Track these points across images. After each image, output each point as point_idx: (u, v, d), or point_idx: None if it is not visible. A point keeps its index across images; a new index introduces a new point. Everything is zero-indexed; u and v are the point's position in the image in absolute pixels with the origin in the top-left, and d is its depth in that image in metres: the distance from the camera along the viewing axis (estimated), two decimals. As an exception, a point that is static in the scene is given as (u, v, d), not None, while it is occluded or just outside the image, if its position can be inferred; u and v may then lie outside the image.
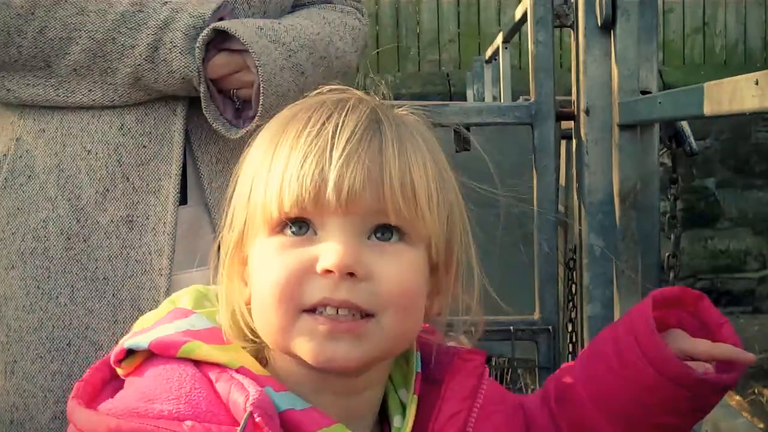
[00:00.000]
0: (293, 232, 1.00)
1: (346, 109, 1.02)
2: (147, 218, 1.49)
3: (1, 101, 1.55)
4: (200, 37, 1.46)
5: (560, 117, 2.24)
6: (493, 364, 2.96)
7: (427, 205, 1.01)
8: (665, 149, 2.24)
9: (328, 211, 0.98)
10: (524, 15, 3.53)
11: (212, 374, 0.98)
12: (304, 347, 0.98)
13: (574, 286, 2.30)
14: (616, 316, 2.13)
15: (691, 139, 2.12)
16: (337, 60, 1.64)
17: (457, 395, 1.07)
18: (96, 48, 1.47)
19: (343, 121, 1.00)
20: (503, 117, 2.23)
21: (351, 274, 0.97)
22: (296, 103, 1.08)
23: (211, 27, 1.47)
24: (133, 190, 1.50)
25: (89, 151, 1.50)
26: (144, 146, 1.50)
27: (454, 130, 2.28)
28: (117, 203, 1.49)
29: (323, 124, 1.01)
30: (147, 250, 1.50)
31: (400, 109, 1.08)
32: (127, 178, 1.50)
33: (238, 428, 0.92)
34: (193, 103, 1.52)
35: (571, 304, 2.31)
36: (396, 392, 1.10)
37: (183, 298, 1.11)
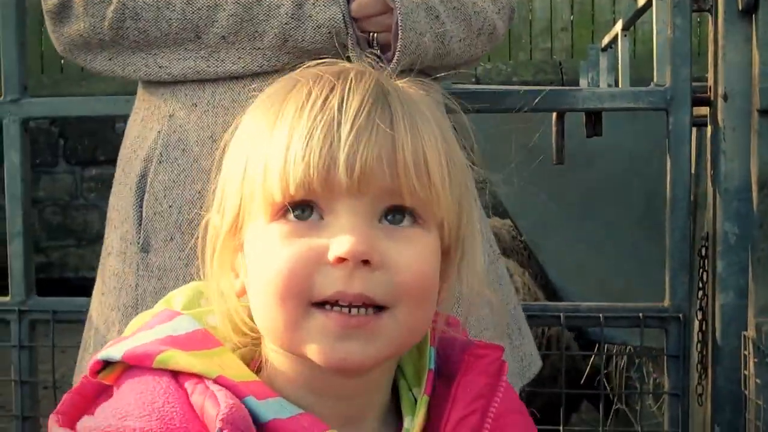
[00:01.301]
0: (297, 217, 0.91)
1: (349, 81, 0.93)
2: None
3: (153, 79, 1.59)
4: None
5: (695, 103, 2.21)
6: (615, 352, 2.93)
7: (440, 184, 0.93)
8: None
9: (337, 193, 0.90)
10: (648, 2, 3.48)
11: (188, 386, 0.91)
12: (314, 347, 0.90)
13: (705, 274, 2.26)
14: (751, 305, 2.09)
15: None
16: (476, 15, 1.62)
17: (467, 395, 0.99)
18: (243, 12, 1.50)
19: (349, 94, 0.92)
20: (637, 102, 2.20)
21: (365, 262, 0.89)
22: (290, 74, 1.00)
23: None
24: None
25: None
26: None
27: (586, 115, 2.27)
28: None
29: (326, 97, 0.92)
30: None
31: (402, 81, 1.00)
32: None
33: None
34: None
35: (701, 292, 2.27)
36: (410, 390, 1.02)
37: (177, 297, 1.03)
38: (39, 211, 8.31)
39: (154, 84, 1.62)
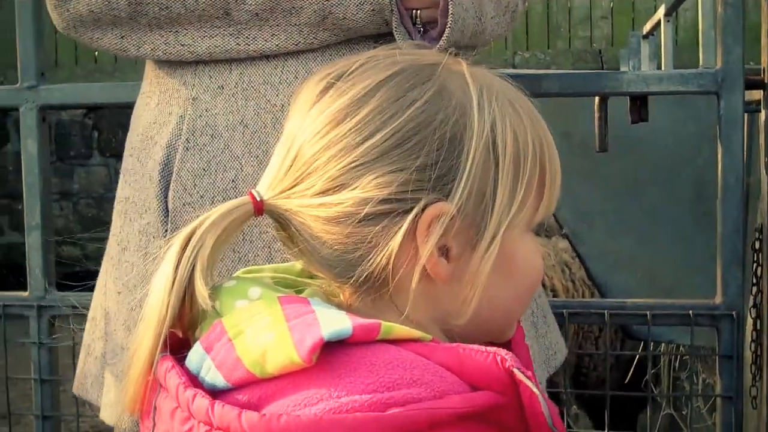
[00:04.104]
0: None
1: None
2: None
3: (173, 59, 1.47)
4: None
5: (747, 86, 2.07)
6: (662, 351, 2.80)
7: None
8: None
9: None
10: (693, -16, 3.34)
11: (421, 349, 0.89)
12: (511, 332, 1.06)
13: (759, 268, 2.13)
14: (810, 302, 1.96)
15: None
16: (506, 10, 1.53)
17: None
18: None
19: None
20: (686, 86, 2.06)
21: None
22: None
23: None
24: None
25: (274, 104, 1.41)
26: None
27: (631, 100, 2.14)
28: None
29: None
30: None
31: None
32: None
33: (532, 387, 0.87)
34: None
35: (755, 288, 2.13)
36: None
37: (252, 288, 0.98)
38: (73, 204, 8.29)
39: (172, 65, 1.49)
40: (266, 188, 0.98)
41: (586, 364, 3.73)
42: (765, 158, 2.06)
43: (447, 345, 0.90)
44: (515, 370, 0.87)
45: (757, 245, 2.13)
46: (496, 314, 1.01)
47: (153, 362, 0.95)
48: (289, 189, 0.96)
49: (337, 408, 0.83)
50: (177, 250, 0.95)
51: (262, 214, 0.97)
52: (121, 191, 1.58)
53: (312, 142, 0.96)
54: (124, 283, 1.54)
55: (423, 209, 0.93)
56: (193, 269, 0.94)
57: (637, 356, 2.70)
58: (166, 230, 1.46)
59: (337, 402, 0.84)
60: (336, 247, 0.95)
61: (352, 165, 0.93)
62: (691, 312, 2.08)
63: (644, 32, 5.33)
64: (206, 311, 0.96)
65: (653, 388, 2.89)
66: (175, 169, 1.46)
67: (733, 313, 2.05)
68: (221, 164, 1.43)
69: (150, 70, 1.57)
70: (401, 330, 0.90)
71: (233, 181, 1.43)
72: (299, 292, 1.02)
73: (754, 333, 2.14)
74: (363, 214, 0.93)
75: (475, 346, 0.89)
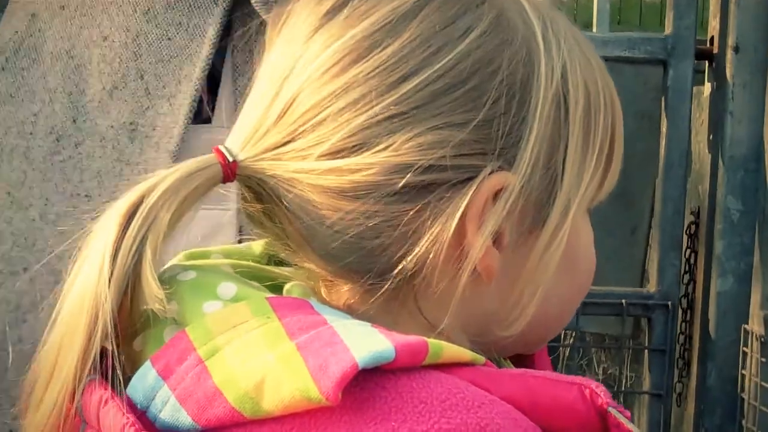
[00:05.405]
0: None
1: None
2: (153, 129, 1.26)
3: None
4: None
5: (698, 55, 1.90)
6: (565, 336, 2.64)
7: None
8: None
9: None
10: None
11: (480, 378, 0.65)
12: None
13: (694, 255, 1.96)
14: (755, 294, 1.81)
15: None
16: None
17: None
18: None
19: None
20: (633, 51, 1.89)
21: None
22: None
23: None
24: (145, 91, 1.27)
25: (105, 38, 1.28)
26: (169, 38, 1.27)
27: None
28: (123, 105, 1.27)
29: None
30: (143, 169, 1.25)
31: None
32: (142, 75, 1.27)
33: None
34: None
35: (687, 276, 1.97)
36: None
37: (222, 283, 0.71)
38: None
39: None
40: (241, 144, 0.70)
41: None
42: (711, 135, 1.89)
43: (511, 372, 0.67)
44: (611, 410, 0.63)
45: (692, 230, 1.96)
46: (547, 320, 0.76)
47: (75, 390, 0.66)
48: (278, 147, 0.69)
49: None
50: (115, 229, 0.66)
51: (233, 180, 0.69)
52: None
53: (317, 83, 0.68)
54: None
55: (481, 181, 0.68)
56: (139, 258, 0.65)
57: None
58: None
59: None
60: (349, 230, 0.68)
61: (380, 117, 0.67)
62: (623, 301, 1.90)
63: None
64: (157, 316, 0.67)
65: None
66: None
67: (668, 303, 1.89)
68: (30, 93, 1.32)
69: None
70: (451, 350, 0.64)
71: (35, 115, 1.31)
72: (275, 288, 0.73)
73: (684, 325, 1.98)
74: (397, 185, 0.67)
75: (549, 374, 0.66)
